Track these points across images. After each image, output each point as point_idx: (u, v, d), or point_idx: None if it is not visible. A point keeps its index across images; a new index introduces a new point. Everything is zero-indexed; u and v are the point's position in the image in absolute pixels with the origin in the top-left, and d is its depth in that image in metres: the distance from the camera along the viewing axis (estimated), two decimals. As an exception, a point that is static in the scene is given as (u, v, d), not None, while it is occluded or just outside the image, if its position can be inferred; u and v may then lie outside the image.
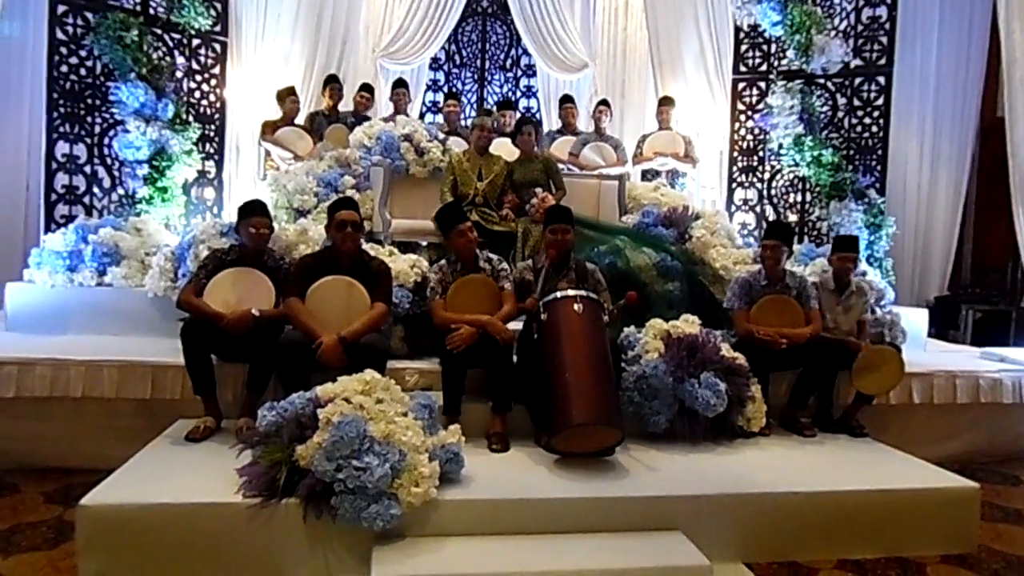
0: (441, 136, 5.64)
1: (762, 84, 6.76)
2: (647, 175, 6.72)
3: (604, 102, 6.87)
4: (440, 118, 7.99)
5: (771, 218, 6.73)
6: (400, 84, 7.09)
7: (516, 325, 3.72)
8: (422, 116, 8.48)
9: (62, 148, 5.43)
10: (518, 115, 6.70)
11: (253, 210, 3.68)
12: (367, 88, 6.95)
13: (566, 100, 7.10)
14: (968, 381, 4.51)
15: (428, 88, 8.77)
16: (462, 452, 2.91)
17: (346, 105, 6.91)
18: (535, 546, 2.65)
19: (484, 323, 3.47)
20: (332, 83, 6.74)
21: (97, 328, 4.47)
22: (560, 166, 5.57)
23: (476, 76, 8.92)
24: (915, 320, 5.32)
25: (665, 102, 6.83)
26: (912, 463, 3.54)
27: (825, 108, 6.43)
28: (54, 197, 5.42)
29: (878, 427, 4.09)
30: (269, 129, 6.32)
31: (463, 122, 6.96)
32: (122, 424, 3.68)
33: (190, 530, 2.59)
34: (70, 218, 5.33)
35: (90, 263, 4.68)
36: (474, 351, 3.46)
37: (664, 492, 2.93)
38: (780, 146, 6.44)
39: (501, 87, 8.99)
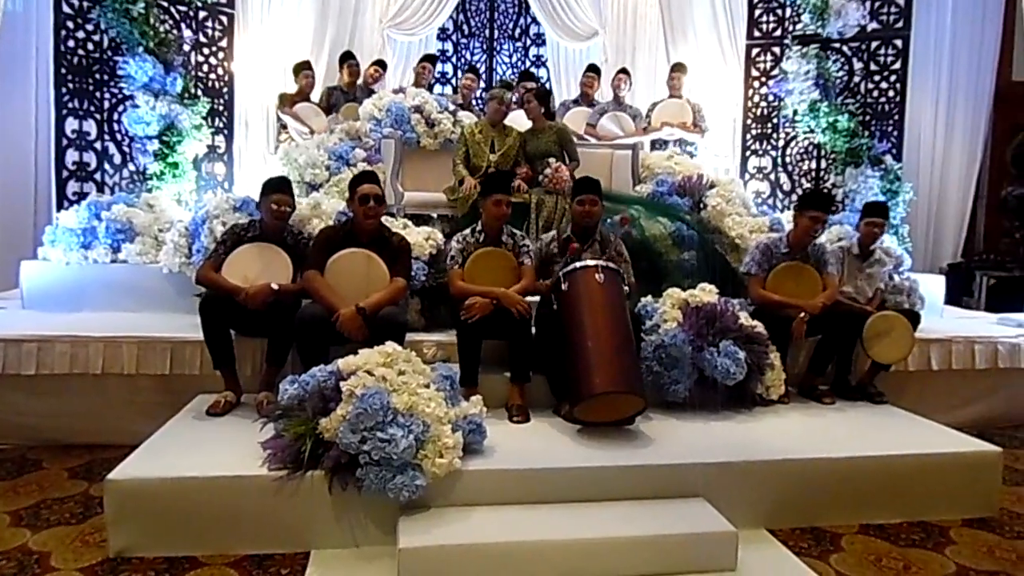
0: (452, 107, 5.58)
1: (776, 49, 6.66)
2: (656, 144, 6.65)
3: (624, 70, 6.76)
4: (449, 89, 7.91)
5: (785, 186, 6.67)
6: (429, 59, 6.91)
7: (533, 298, 3.71)
8: (430, 88, 8.38)
9: (71, 124, 5.40)
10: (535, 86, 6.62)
11: (276, 187, 3.66)
12: (380, 64, 6.91)
13: (590, 70, 6.92)
14: (987, 347, 4.50)
15: (437, 58, 8.64)
16: (484, 423, 2.91)
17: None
18: (560, 515, 2.66)
19: (499, 295, 3.45)
20: (349, 60, 6.68)
21: (113, 305, 4.48)
22: (574, 137, 5.50)
23: (485, 46, 8.79)
24: (932, 287, 5.29)
25: (677, 68, 6.72)
26: (933, 428, 3.54)
27: (841, 73, 6.32)
28: (65, 174, 5.40)
29: (896, 393, 4.09)
30: (289, 101, 6.37)
31: (476, 95, 6.87)
32: (143, 400, 3.71)
33: (216, 503, 2.61)
34: (82, 195, 5.32)
35: (104, 240, 4.67)
36: (490, 322, 3.45)
37: (686, 460, 2.93)
38: (795, 112, 6.35)
39: (510, 57, 8.86)
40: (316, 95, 6.65)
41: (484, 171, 4.94)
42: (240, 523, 2.63)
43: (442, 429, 2.70)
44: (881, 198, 5.78)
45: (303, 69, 6.46)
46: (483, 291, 3.48)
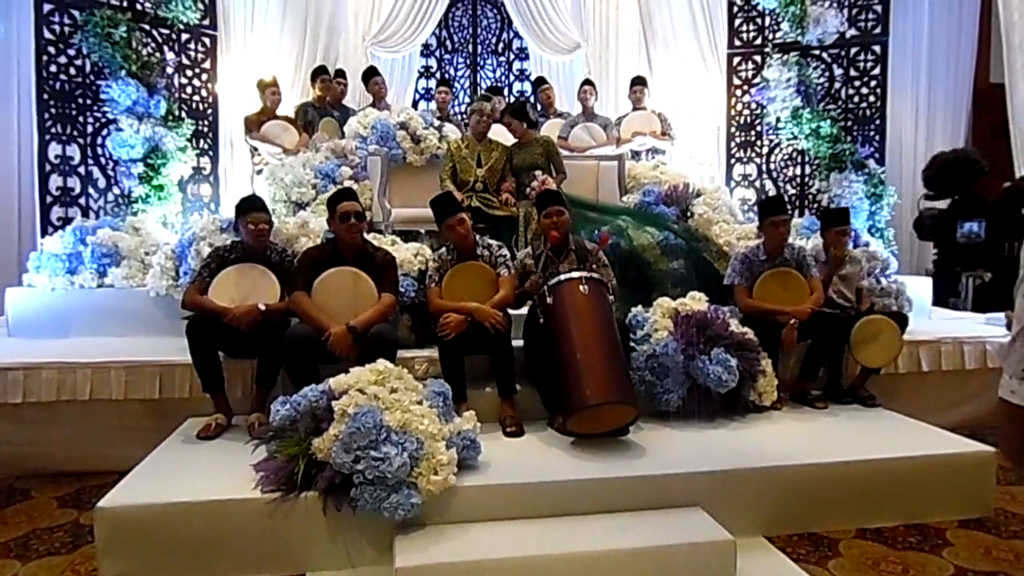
0: (436, 123, 5.59)
1: (757, 58, 6.73)
2: (632, 156, 6.68)
3: (588, 81, 6.82)
4: (433, 105, 7.92)
5: (771, 192, 6.71)
6: (374, 72, 6.78)
7: (520, 312, 3.71)
8: (415, 104, 8.40)
9: (55, 149, 5.39)
10: (502, 100, 6.65)
11: (250, 206, 3.64)
12: (341, 74, 6.79)
13: (540, 82, 7.03)
14: (975, 347, 4.52)
15: (420, 75, 8.69)
16: (479, 438, 2.90)
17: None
18: (557, 528, 2.64)
19: (472, 310, 3.44)
20: (322, 74, 6.61)
21: (100, 330, 4.44)
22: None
23: (468, 61, 8.84)
24: (918, 289, 5.32)
25: (638, 82, 6.74)
26: (926, 430, 3.55)
27: (822, 80, 6.40)
28: (49, 199, 5.38)
29: (888, 396, 4.09)
30: (254, 125, 6.10)
31: (455, 108, 6.89)
32: (132, 425, 3.67)
33: (210, 527, 2.58)
34: (66, 220, 5.30)
35: (90, 265, 4.64)
36: (469, 338, 3.44)
37: (681, 469, 2.92)
38: (778, 119, 6.43)
39: (494, 71, 8.90)
40: (286, 110, 6.47)
41: (472, 186, 4.95)
42: (234, 547, 2.60)
43: (436, 446, 2.68)
44: (866, 202, 5.83)
45: (270, 86, 6.25)
46: (457, 307, 3.48)
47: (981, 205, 5.28)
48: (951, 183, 5.60)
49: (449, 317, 3.42)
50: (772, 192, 6.71)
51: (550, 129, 6.52)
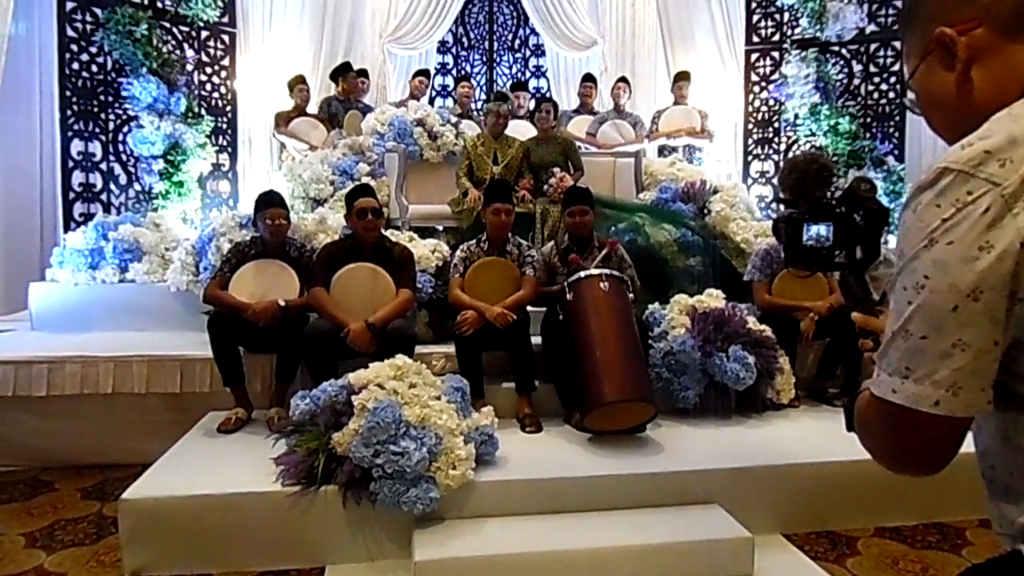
0: (453, 119, 5.61)
1: (775, 54, 6.69)
2: (663, 151, 6.67)
3: (623, 79, 6.79)
4: (450, 102, 7.95)
5: (789, 190, 6.67)
6: (423, 73, 7.05)
7: (538, 309, 3.72)
8: (432, 101, 8.42)
9: (77, 146, 5.45)
10: (529, 95, 6.66)
11: (268, 202, 3.67)
12: (364, 74, 6.88)
13: (586, 79, 7.02)
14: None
15: (437, 71, 8.71)
16: (496, 434, 2.91)
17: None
18: (574, 524, 2.65)
19: (482, 310, 3.46)
20: (348, 71, 6.62)
21: (121, 325, 4.49)
22: (576, 144, 5.53)
23: (484, 58, 8.85)
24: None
25: (681, 77, 6.74)
26: (945, 429, 3.51)
27: (841, 76, 6.35)
28: (71, 195, 5.44)
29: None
30: (283, 121, 6.28)
31: (475, 104, 6.91)
32: (153, 418, 3.71)
33: (231, 519, 2.61)
34: (88, 216, 5.36)
35: (112, 260, 4.69)
36: (486, 334, 3.47)
37: (699, 466, 2.92)
38: (796, 116, 6.39)
39: (510, 68, 8.91)
40: (313, 107, 6.61)
41: (488, 183, 4.95)
42: (254, 540, 2.63)
43: (454, 441, 2.70)
44: (885, 200, 5.78)
45: (298, 83, 6.39)
46: (472, 304, 3.50)
47: (828, 209, 5.17)
48: (801, 187, 5.53)
49: (467, 315, 3.44)
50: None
51: (580, 124, 6.54)
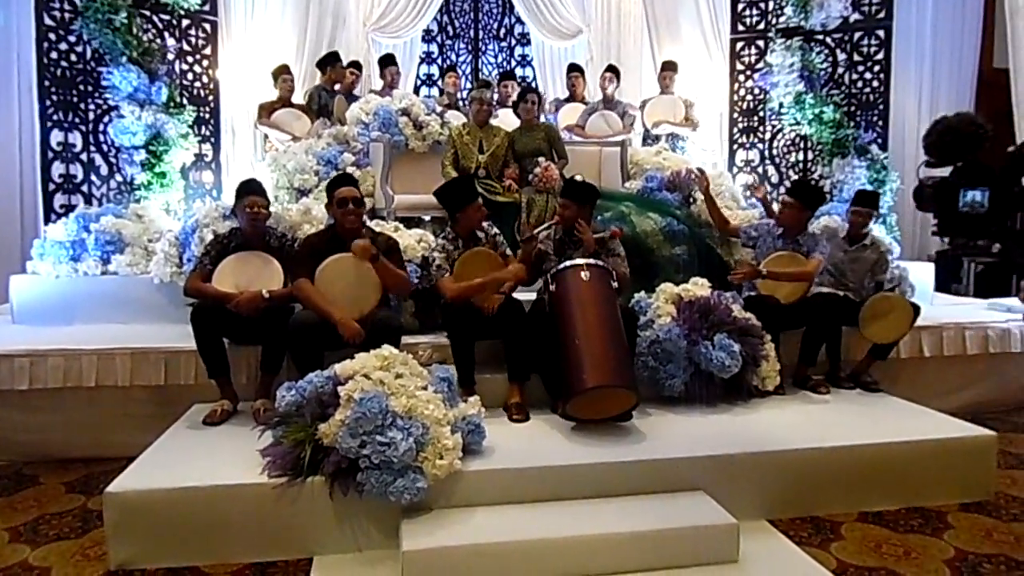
0: (439, 109, 5.58)
1: (760, 43, 6.69)
2: (647, 140, 6.67)
3: (611, 68, 6.76)
4: (435, 91, 7.90)
5: (773, 178, 6.71)
6: (391, 62, 6.83)
7: (527, 296, 3.73)
8: (417, 90, 8.38)
9: (57, 136, 5.36)
10: (515, 86, 6.63)
11: (247, 190, 3.62)
12: (356, 65, 6.82)
13: (573, 69, 7.00)
14: (977, 332, 4.54)
15: (422, 60, 8.66)
16: (483, 423, 2.91)
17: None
18: (561, 512, 2.66)
19: (496, 278, 3.57)
20: (337, 61, 6.56)
21: (104, 317, 4.44)
22: (564, 135, 5.53)
23: (470, 47, 8.80)
24: (921, 275, 5.32)
25: (668, 67, 6.74)
26: (928, 415, 3.57)
27: (825, 64, 6.36)
28: (52, 187, 5.37)
29: (889, 381, 4.12)
30: (265, 112, 6.22)
31: (461, 95, 6.87)
32: (138, 411, 3.69)
33: (217, 512, 2.61)
34: (69, 207, 5.29)
35: (94, 252, 4.63)
36: (482, 322, 3.48)
37: (685, 454, 2.95)
38: (781, 105, 6.40)
39: (495, 57, 8.87)
40: (298, 97, 6.53)
41: (474, 171, 4.94)
42: (241, 532, 2.62)
43: (441, 431, 2.70)
44: (868, 187, 5.82)
45: (283, 73, 6.33)
46: (480, 283, 3.53)
47: (986, 173, 5.07)
48: (953, 149, 5.34)
49: (491, 300, 3.51)
50: (775, 178, 6.70)
51: (569, 113, 6.52)
